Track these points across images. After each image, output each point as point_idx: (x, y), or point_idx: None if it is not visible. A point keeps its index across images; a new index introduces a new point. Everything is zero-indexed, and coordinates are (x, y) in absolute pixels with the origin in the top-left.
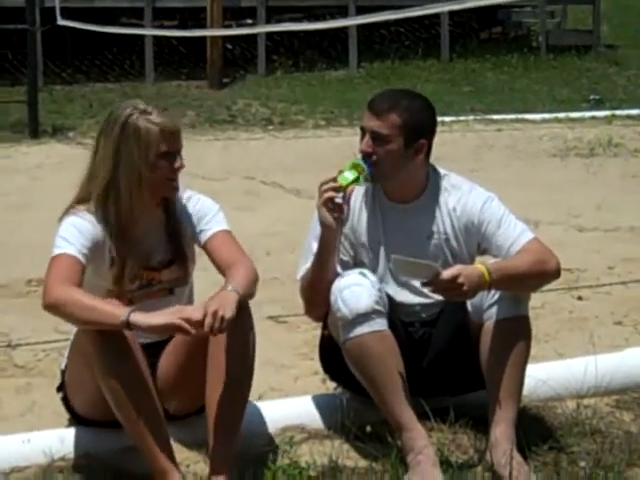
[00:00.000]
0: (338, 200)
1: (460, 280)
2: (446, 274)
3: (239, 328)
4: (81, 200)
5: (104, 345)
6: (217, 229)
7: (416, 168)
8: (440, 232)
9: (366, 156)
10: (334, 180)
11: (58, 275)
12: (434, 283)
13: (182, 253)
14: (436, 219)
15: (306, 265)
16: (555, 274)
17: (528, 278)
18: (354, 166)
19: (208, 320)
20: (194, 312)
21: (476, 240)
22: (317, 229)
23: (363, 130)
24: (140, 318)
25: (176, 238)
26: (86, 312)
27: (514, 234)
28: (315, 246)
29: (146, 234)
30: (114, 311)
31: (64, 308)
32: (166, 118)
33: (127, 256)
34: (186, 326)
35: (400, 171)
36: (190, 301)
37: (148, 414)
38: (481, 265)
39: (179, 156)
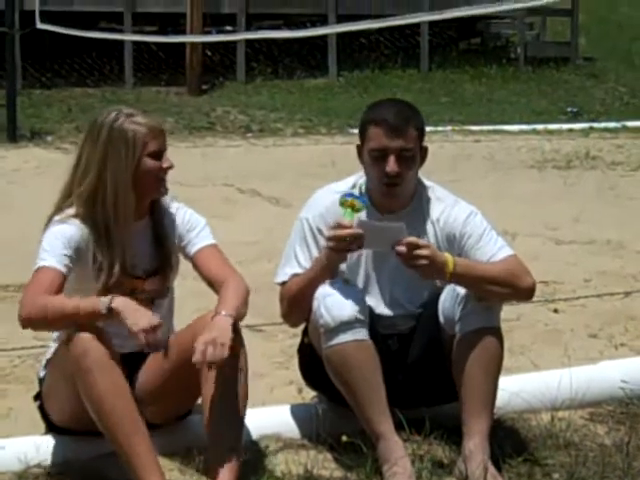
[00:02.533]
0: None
1: (423, 252)
2: (413, 238)
3: (233, 350)
4: (64, 204)
5: (85, 361)
6: (206, 243)
7: (416, 177)
8: (424, 239)
9: (394, 177)
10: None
11: (35, 291)
12: (399, 243)
13: (167, 263)
14: (420, 229)
15: (293, 271)
16: (526, 292)
17: (493, 284)
18: (346, 206)
19: (210, 351)
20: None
21: (456, 253)
22: (309, 246)
23: (383, 151)
24: (122, 301)
25: (163, 247)
26: (67, 307)
27: (493, 249)
28: (303, 256)
29: (133, 242)
30: (95, 299)
31: (41, 314)
32: (151, 118)
33: (112, 262)
34: (147, 337)
35: (412, 183)
36: (171, 311)
37: (132, 428)
38: (448, 255)
39: (166, 156)
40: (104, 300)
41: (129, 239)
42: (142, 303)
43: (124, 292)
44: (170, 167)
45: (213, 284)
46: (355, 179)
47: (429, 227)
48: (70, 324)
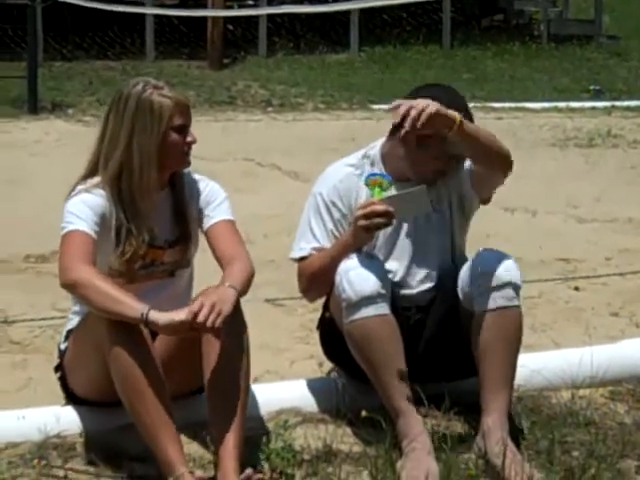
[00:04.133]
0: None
1: (432, 108)
2: (420, 102)
3: (233, 327)
4: (90, 175)
5: (119, 336)
6: (222, 217)
7: None
8: (447, 208)
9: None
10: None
11: (75, 253)
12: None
13: (187, 234)
14: (444, 197)
15: (310, 245)
16: (511, 161)
17: (490, 142)
18: (373, 185)
19: (205, 311)
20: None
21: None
22: (324, 220)
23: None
24: (158, 316)
25: (183, 218)
26: (107, 301)
27: None
28: (319, 230)
29: (154, 212)
30: (134, 305)
31: (83, 290)
32: (178, 92)
33: (140, 232)
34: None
35: None
36: (190, 284)
37: (158, 407)
38: (456, 114)
39: (191, 131)
40: (143, 311)
41: (150, 210)
42: (162, 274)
43: (145, 263)
44: (194, 142)
45: (220, 260)
46: (365, 150)
47: (448, 181)
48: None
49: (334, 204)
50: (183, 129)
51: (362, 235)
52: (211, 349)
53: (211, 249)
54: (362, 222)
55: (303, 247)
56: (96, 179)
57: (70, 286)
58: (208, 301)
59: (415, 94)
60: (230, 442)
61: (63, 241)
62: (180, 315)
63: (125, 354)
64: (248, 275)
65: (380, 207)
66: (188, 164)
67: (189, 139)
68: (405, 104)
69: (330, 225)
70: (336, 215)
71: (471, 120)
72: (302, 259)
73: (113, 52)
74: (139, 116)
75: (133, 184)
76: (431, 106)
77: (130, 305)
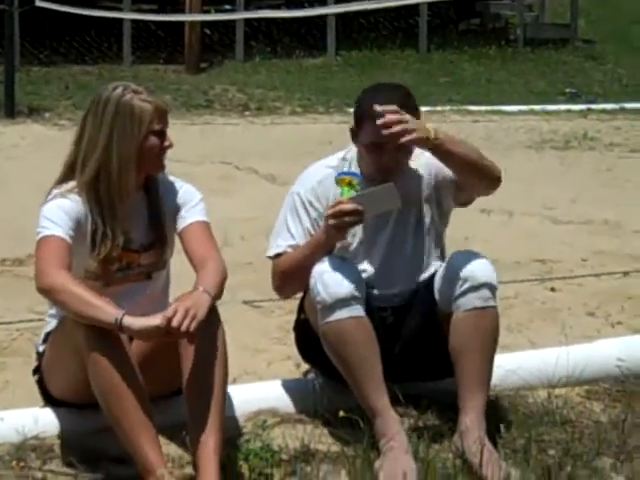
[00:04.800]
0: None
1: (408, 126)
2: (393, 116)
3: (210, 329)
4: (64, 180)
5: (97, 340)
6: (196, 219)
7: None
8: (417, 193)
9: (392, 169)
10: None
11: (50, 258)
12: (384, 124)
13: (163, 236)
14: (414, 185)
15: (286, 242)
16: (498, 172)
17: (471, 160)
18: (343, 184)
19: (178, 316)
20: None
21: (445, 188)
22: (301, 218)
23: (381, 145)
24: (133, 321)
25: (158, 220)
26: (82, 305)
27: None
28: (295, 228)
29: (129, 216)
30: (108, 310)
31: (58, 295)
32: (157, 97)
33: (116, 234)
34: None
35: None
36: (167, 286)
37: (136, 410)
38: (429, 126)
39: (168, 135)
40: (117, 317)
41: (125, 214)
42: (139, 277)
43: (121, 266)
44: (170, 146)
45: (193, 261)
46: (344, 153)
47: (422, 179)
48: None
49: (311, 204)
50: (161, 134)
51: (333, 234)
52: (188, 351)
53: (184, 250)
54: (331, 221)
55: (279, 244)
56: (71, 183)
57: (46, 291)
58: (182, 306)
59: (368, 95)
60: (210, 446)
61: (39, 246)
62: (155, 320)
63: (103, 358)
64: (221, 277)
65: (348, 206)
66: (163, 168)
67: (166, 143)
68: (394, 117)
69: (307, 224)
70: (313, 214)
71: (417, 117)
72: (277, 256)
73: (90, 57)
74: (119, 120)
75: (111, 187)
76: (416, 133)
77: (104, 310)
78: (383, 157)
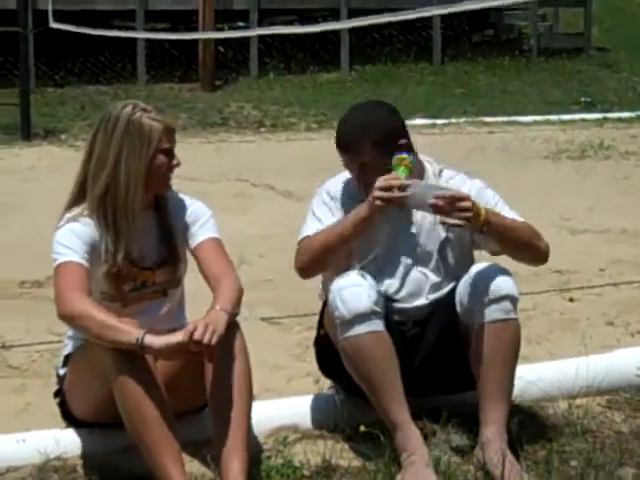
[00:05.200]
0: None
1: (465, 203)
2: (454, 191)
3: (231, 346)
4: (75, 202)
5: (124, 362)
6: (208, 236)
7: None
8: (438, 220)
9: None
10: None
11: (70, 285)
12: (441, 198)
13: (175, 253)
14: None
15: (317, 227)
16: (545, 254)
17: (520, 239)
18: (402, 164)
19: (200, 330)
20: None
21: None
22: (331, 209)
23: (348, 167)
24: (153, 340)
25: (169, 238)
26: (102, 329)
27: (509, 216)
28: (325, 216)
29: (140, 235)
30: (129, 330)
31: (80, 321)
32: (166, 116)
33: (123, 256)
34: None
35: None
36: (182, 303)
37: (161, 429)
38: (480, 205)
39: (175, 154)
40: (138, 337)
41: (136, 233)
42: (155, 295)
43: (136, 285)
44: (178, 165)
45: (209, 279)
46: None
47: None
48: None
49: (339, 199)
50: (170, 152)
51: (375, 209)
52: (211, 368)
53: (199, 268)
54: (378, 193)
55: (310, 228)
56: (82, 206)
57: (67, 318)
58: (201, 322)
59: (351, 114)
60: (235, 468)
61: (57, 273)
62: (177, 337)
63: (130, 380)
64: (237, 294)
65: (398, 182)
66: (169, 187)
67: (174, 162)
68: (450, 195)
69: (337, 214)
70: (341, 210)
71: (406, 136)
72: (306, 238)
73: (105, 77)
74: (128, 138)
75: (118, 204)
76: (467, 213)
77: (125, 331)
78: (361, 181)
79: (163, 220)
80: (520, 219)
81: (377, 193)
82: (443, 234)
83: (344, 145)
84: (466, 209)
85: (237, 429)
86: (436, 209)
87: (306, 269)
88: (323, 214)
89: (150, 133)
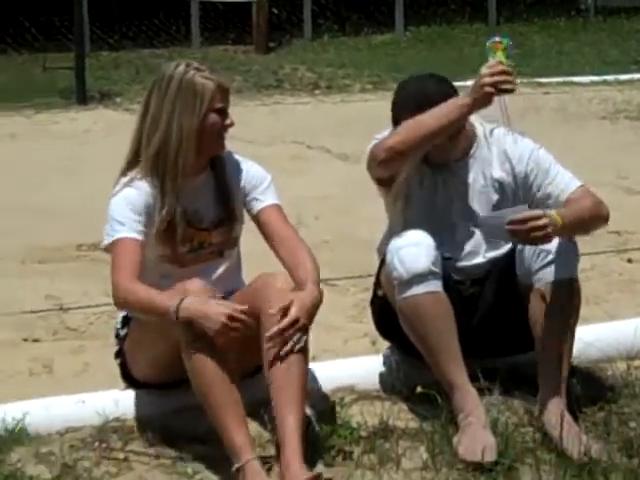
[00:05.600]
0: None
1: (545, 221)
2: (528, 213)
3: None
4: (132, 163)
5: (194, 336)
6: (271, 202)
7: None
8: (491, 185)
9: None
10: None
11: (121, 269)
12: (518, 222)
13: (232, 214)
14: (486, 172)
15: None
16: (607, 219)
17: (587, 224)
18: (493, 46)
19: (290, 333)
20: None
21: (524, 192)
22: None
23: None
24: (190, 304)
25: (226, 199)
26: (146, 308)
27: (563, 182)
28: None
29: (196, 195)
30: (165, 302)
31: (129, 306)
32: (219, 75)
33: (179, 216)
34: (241, 316)
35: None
36: (239, 263)
37: (229, 395)
38: (553, 212)
39: (229, 114)
40: (173, 307)
41: (193, 193)
42: (212, 255)
43: (193, 246)
44: (232, 125)
45: (277, 246)
46: None
47: (495, 170)
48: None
49: None
50: (223, 111)
51: (483, 96)
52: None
53: (263, 233)
54: (488, 79)
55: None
56: (135, 170)
57: (118, 305)
58: (294, 316)
59: (403, 89)
60: (290, 423)
61: (112, 252)
62: (221, 307)
63: (197, 344)
64: (318, 269)
65: (507, 68)
66: (223, 147)
67: (227, 122)
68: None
69: None
70: None
71: (456, 93)
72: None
73: (159, 40)
74: (181, 96)
75: (169, 164)
76: (551, 228)
77: (162, 304)
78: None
79: (220, 181)
80: (576, 184)
81: (486, 79)
82: (495, 198)
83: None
84: (543, 227)
85: (293, 388)
86: (513, 235)
87: (387, 163)
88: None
89: (203, 91)
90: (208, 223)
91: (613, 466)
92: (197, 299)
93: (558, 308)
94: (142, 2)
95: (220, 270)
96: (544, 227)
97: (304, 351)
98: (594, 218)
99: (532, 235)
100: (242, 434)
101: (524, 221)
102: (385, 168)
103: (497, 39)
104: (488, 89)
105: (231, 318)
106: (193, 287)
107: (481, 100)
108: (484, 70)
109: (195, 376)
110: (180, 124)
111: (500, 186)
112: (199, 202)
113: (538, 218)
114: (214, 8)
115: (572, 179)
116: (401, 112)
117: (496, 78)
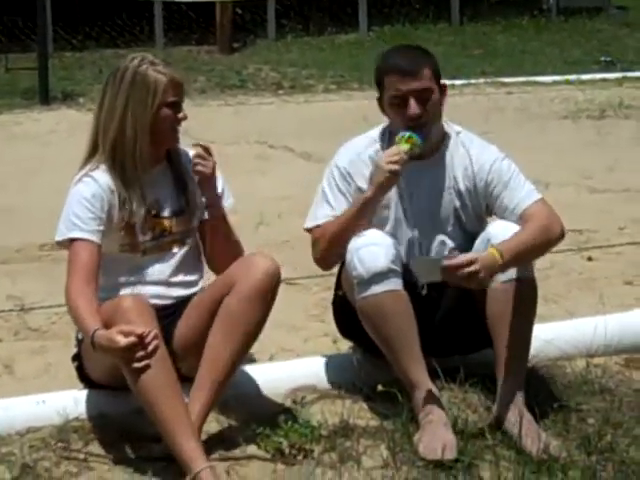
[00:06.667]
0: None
1: (476, 267)
2: (462, 257)
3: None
4: (92, 153)
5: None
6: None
7: (441, 117)
8: (453, 187)
9: (417, 118)
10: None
11: (74, 273)
12: (451, 268)
13: (193, 202)
14: (449, 174)
15: (326, 213)
16: (559, 239)
17: (535, 250)
18: (405, 140)
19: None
20: (138, 329)
21: (483, 200)
22: (341, 190)
23: (402, 97)
24: (101, 337)
25: (184, 189)
26: (77, 324)
27: (520, 195)
28: (334, 199)
29: (155, 185)
30: (88, 326)
31: (70, 315)
32: (173, 69)
33: (137, 206)
34: (136, 341)
35: (439, 121)
36: (198, 251)
37: (174, 410)
38: (492, 249)
39: (182, 108)
40: (89, 336)
41: (151, 183)
42: (173, 244)
43: (154, 234)
44: (184, 118)
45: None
46: (380, 129)
47: (458, 172)
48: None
49: (350, 176)
50: (176, 105)
51: (388, 182)
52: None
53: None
54: (391, 166)
55: (318, 216)
56: (96, 159)
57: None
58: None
59: (384, 60)
60: (197, 409)
61: (69, 252)
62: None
63: (138, 373)
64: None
65: (402, 157)
66: (177, 141)
67: (180, 115)
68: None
69: (347, 195)
70: (352, 186)
71: (438, 76)
72: (317, 227)
73: (123, 40)
74: (134, 90)
75: (127, 156)
76: (484, 272)
77: (84, 325)
78: (408, 109)
79: (177, 172)
80: (532, 199)
81: (382, 163)
82: (458, 202)
83: (408, 70)
84: (475, 272)
85: (213, 375)
86: (448, 278)
87: (324, 260)
88: (335, 199)
89: (155, 86)
90: (169, 212)
91: (572, 463)
92: (103, 334)
93: (514, 307)
94: (105, 2)
95: (182, 258)
96: (476, 273)
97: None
98: (544, 242)
99: (466, 281)
100: (191, 447)
101: (457, 267)
102: (327, 264)
103: (408, 134)
104: (389, 168)
105: (128, 349)
106: (126, 304)
107: (381, 185)
108: (385, 157)
109: (138, 394)
110: (134, 117)
111: (459, 191)
112: (158, 192)
113: (469, 264)
114: (177, 9)
115: (530, 193)
116: (382, 75)
117: (393, 167)
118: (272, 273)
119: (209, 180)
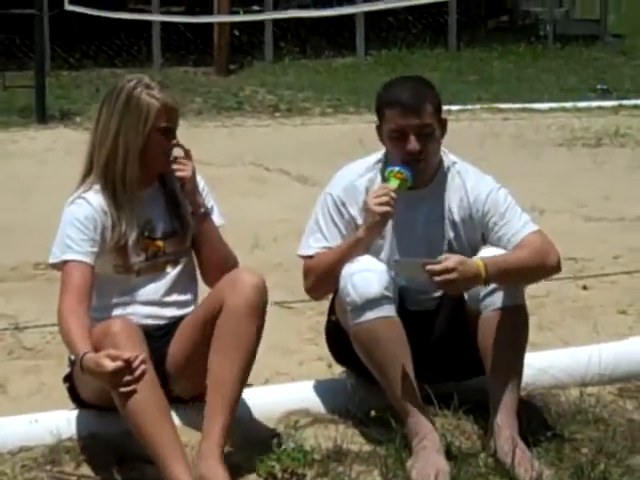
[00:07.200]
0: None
1: (453, 275)
2: (437, 266)
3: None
4: (88, 172)
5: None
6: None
7: (439, 152)
8: (448, 217)
9: (416, 154)
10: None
11: (67, 294)
12: (430, 272)
13: (185, 222)
14: (444, 205)
15: (318, 244)
16: (555, 268)
17: (525, 272)
18: (394, 175)
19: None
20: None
21: (479, 230)
22: (334, 219)
23: (402, 131)
24: (90, 360)
25: (177, 209)
26: (68, 346)
27: (516, 226)
28: (327, 229)
29: (147, 206)
30: (77, 348)
31: (62, 336)
32: (167, 95)
33: (128, 227)
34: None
35: (437, 156)
36: (193, 272)
37: (162, 433)
38: (479, 260)
39: (175, 133)
40: (78, 359)
41: (144, 204)
42: (167, 264)
43: (147, 255)
44: (177, 145)
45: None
46: (377, 156)
47: (453, 203)
48: None
49: (344, 205)
50: (168, 131)
51: (379, 224)
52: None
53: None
54: (381, 208)
55: (311, 245)
56: (90, 178)
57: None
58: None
59: (387, 91)
60: (217, 426)
61: (62, 273)
62: (113, 364)
63: (125, 398)
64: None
65: (390, 195)
66: (169, 166)
67: (173, 142)
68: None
69: (340, 226)
70: (346, 216)
71: (440, 110)
72: (309, 257)
73: (120, 60)
74: (127, 113)
75: (117, 176)
76: (464, 282)
77: (74, 347)
78: (407, 144)
79: (169, 194)
80: (528, 230)
81: (380, 208)
82: (452, 233)
83: (410, 105)
84: (453, 280)
85: (223, 395)
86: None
87: (315, 291)
88: (328, 230)
89: (147, 111)
90: (162, 233)
91: None
92: (91, 358)
93: (506, 335)
94: (103, 22)
95: (175, 277)
96: (453, 281)
97: (243, 362)
98: (536, 267)
99: (442, 283)
100: (180, 469)
101: (435, 273)
102: (318, 295)
103: (397, 169)
104: (379, 210)
105: (115, 373)
106: (115, 327)
107: (375, 228)
108: (374, 199)
109: (127, 417)
110: (126, 140)
111: (454, 222)
112: (151, 213)
113: (447, 272)
114: (175, 29)
115: (526, 224)
116: (383, 106)
117: (383, 200)
118: (259, 287)
119: (190, 182)
